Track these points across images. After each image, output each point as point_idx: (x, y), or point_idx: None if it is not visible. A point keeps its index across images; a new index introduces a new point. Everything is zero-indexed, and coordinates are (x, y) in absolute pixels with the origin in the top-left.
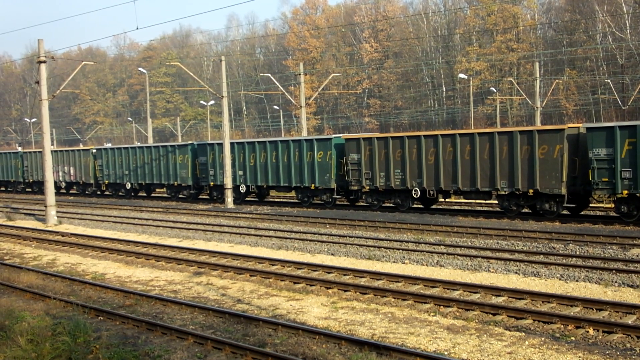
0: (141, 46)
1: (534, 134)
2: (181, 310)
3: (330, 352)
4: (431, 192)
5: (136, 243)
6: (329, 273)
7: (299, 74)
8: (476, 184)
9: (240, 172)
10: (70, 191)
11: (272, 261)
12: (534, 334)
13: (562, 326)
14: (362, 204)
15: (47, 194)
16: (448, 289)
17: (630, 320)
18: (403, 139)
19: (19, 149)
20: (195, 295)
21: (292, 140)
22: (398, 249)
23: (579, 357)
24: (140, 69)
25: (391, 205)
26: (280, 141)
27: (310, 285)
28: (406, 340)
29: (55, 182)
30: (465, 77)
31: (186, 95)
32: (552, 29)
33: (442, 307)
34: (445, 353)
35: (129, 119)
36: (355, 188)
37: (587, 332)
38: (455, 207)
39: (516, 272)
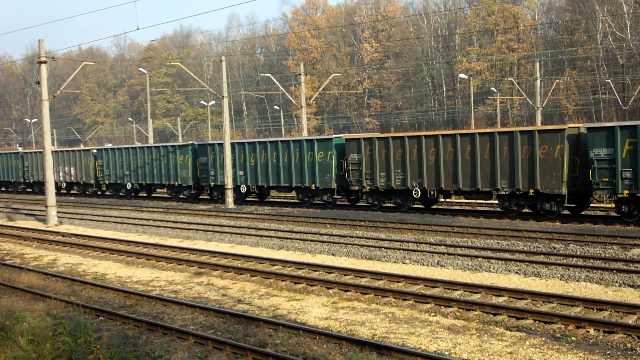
0: (142, 46)
1: (534, 134)
2: (182, 311)
3: (330, 352)
4: (432, 192)
5: (137, 243)
6: (329, 273)
7: (300, 74)
8: (477, 184)
9: (241, 172)
10: (71, 191)
11: (273, 261)
12: (534, 334)
13: (562, 326)
14: (362, 204)
15: (47, 194)
16: (449, 289)
17: (631, 320)
18: (403, 139)
19: (20, 149)
20: (195, 296)
21: (293, 141)
22: (399, 249)
23: (580, 357)
24: (140, 69)
25: (392, 205)
26: (281, 141)
27: (311, 286)
28: (407, 341)
29: (56, 183)
30: (466, 77)
31: (187, 95)
32: (553, 29)
33: (442, 307)
34: (446, 353)
35: (130, 119)
36: (356, 188)
37: (588, 332)
38: (456, 207)
39: (517, 272)
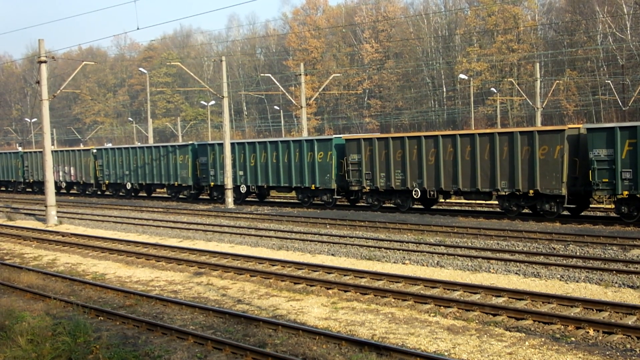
0: (142, 46)
1: (534, 135)
2: (181, 311)
3: (330, 353)
4: (431, 193)
5: (136, 243)
6: (329, 273)
7: (300, 74)
8: (476, 184)
9: (241, 173)
10: (71, 191)
11: (273, 261)
12: (534, 334)
13: (562, 327)
14: (362, 204)
15: (47, 194)
16: (448, 289)
17: (630, 321)
18: (403, 140)
19: (20, 149)
20: (195, 296)
21: (293, 141)
22: (398, 250)
23: (579, 357)
24: (140, 69)
25: (391, 205)
26: (281, 141)
27: (311, 286)
28: (406, 341)
29: (56, 182)
30: (466, 77)
31: (187, 95)
32: (553, 29)
33: (442, 307)
34: (446, 353)
35: (130, 119)
36: (356, 188)
37: (588, 332)
38: (456, 208)
39: (516, 273)
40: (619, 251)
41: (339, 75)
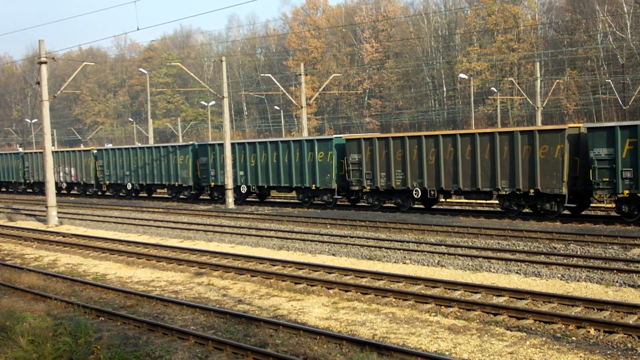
0: (142, 47)
1: (534, 134)
2: (182, 311)
3: (331, 353)
4: (432, 192)
5: (137, 244)
6: (330, 273)
7: (300, 75)
8: (477, 184)
9: (241, 173)
10: (71, 192)
11: (273, 262)
12: (535, 334)
13: (563, 326)
14: (363, 204)
15: (48, 194)
16: (449, 289)
17: (631, 320)
18: (404, 139)
19: (20, 149)
20: (196, 296)
21: (293, 141)
22: (399, 249)
23: (580, 357)
24: (141, 69)
25: (392, 205)
26: (281, 141)
27: (311, 286)
28: (407, 341)
29: (56, 183)
30: (466, 77)
31: (187, 95)
32: (553, 28)
33: (443, 307)
34: (447, 353)
35: (130, 119)
36: (356, 188)
37: (589, 332)
38: (456, 207)
39: (517, 272)
40: (620, 250)
41: (339, 75)
